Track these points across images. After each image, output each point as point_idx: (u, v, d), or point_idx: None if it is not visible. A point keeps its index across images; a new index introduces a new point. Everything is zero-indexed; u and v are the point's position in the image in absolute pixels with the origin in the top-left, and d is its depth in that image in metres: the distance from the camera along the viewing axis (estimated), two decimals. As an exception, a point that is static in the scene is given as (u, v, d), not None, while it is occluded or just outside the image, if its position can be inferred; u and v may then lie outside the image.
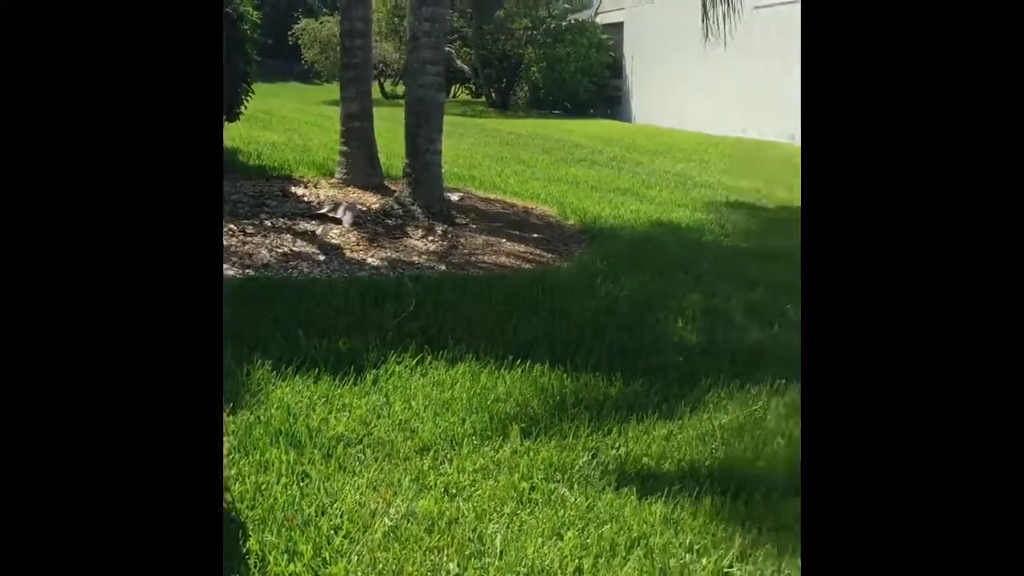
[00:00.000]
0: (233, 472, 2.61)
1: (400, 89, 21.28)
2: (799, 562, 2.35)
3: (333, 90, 15.55)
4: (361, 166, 7.28)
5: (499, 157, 10.34)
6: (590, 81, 20.70)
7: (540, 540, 2.40)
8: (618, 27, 20.97)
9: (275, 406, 3.06)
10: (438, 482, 2.66)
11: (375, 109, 7.59)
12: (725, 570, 2.32)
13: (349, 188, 7.12)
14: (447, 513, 2.48)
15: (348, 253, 5.34)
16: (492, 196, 7.65)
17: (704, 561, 2.35)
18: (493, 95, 22.10)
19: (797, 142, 14.79)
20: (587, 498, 2.64)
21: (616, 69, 21.21)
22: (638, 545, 2.41)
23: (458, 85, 25.46)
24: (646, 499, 2.63)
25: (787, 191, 9.54)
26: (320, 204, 6.36)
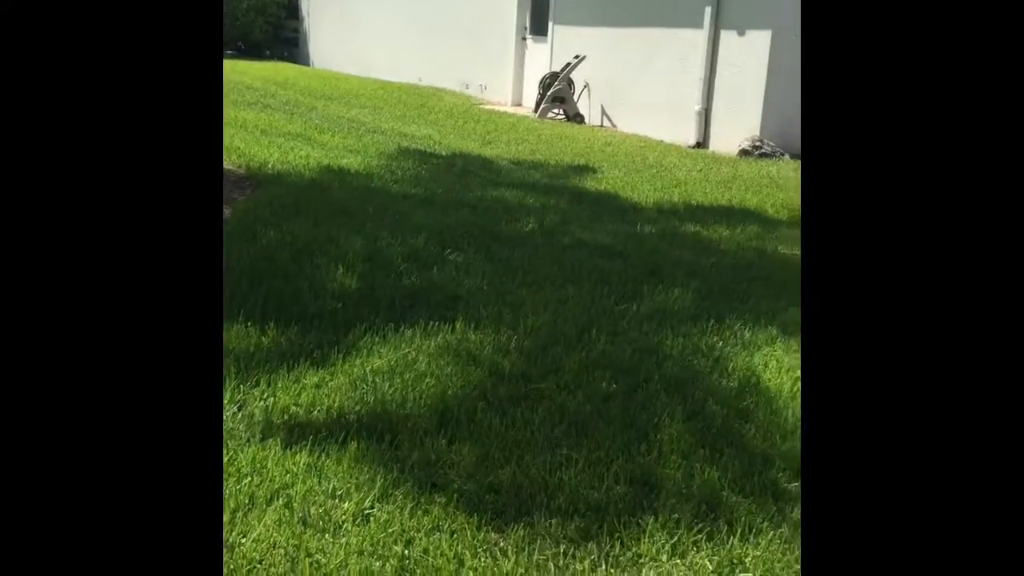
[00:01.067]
0: None
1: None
2: (439, 497, 2.44)
3: None
4: None
5: (160, 98, 9.64)
6: (265, 21, 19.90)
7: (174, 501, 2.28)
8: (293, -34, 20.29)
9: None
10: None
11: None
12: (366, 511, 2.35)
13: None
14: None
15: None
16: (149, 140, 7.12)
17: (346, 505, 2.36)
18: (158, 31, 20.58)
19: (471, 91, 15.22)
20: (229, 452, 2.55)
21: (292, 9, 20.54)
22: (279, 496, 2.37)
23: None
24: (291, 449, 2.59)
25: (459, 138, 9.79)
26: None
